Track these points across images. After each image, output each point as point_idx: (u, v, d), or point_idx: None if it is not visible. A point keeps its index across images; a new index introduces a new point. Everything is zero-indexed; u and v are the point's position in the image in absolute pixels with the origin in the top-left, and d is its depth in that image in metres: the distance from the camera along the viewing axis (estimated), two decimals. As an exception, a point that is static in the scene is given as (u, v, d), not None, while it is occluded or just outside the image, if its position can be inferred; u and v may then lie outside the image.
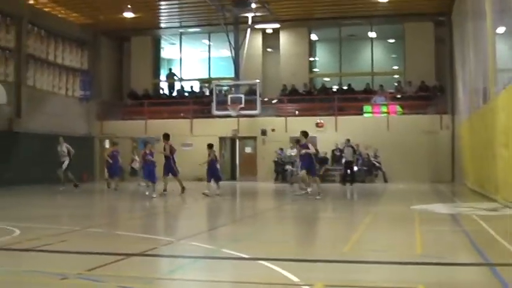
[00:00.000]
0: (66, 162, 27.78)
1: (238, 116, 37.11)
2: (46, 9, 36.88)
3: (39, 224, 13.74)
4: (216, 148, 37.82)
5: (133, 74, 44.16)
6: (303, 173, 22.84)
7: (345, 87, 41.25)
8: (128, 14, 37.65)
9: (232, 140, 40.62)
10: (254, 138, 39.52)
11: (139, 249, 9.99)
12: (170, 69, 45.44)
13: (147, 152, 23.77)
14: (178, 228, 14.95)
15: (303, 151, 22.29)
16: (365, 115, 39.02)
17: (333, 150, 37.10)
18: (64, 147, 27.78)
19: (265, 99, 39.84)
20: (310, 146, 22.21)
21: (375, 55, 41.72)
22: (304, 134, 22.80)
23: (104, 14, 38.35)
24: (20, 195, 25.29)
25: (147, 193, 23.11)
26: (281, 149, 36.94)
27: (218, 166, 24.76)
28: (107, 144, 42.87)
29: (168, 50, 46.49)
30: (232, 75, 38.55)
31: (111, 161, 28.59)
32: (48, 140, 31.58)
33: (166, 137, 24.47)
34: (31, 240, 10.93)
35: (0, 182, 29.54)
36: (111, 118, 41.47)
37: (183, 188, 24.08)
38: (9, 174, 30.89)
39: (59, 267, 8.47)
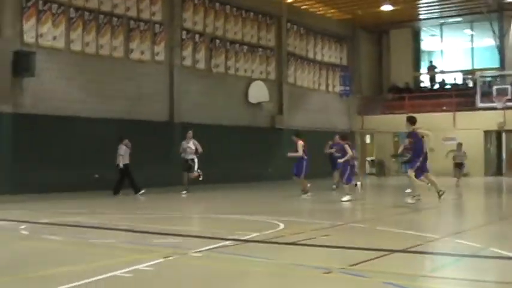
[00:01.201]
0: (196, 162, 22.75)
1: (504, 108, 34.99)
2: (304, 7, 37.49)
3: (302, 219, 13.72)
4: (480, 142, 36.16)
5: (393, 68, 43.55)
6: None
7: None
8: (387, 7, 37.13)
9: (498, 134, 38.35)
10: (523, 131, 36.96)
11: (403, 246, 9.59)
12: (431, 62, 44.17)
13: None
14: (441, 225, 14.15)
15: None
16: None
17: None
18: (191, 143, 22.75)
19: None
20: None
21: None
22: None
23: (361, 9, 38.18)
24: (283, 189, 25.81)
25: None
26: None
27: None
28: (368, 140, 42.75)
29: (428, 41, 45.22)
30: (497, 66, 36.40)
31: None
32: (309, 136, 32.04)
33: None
34: (295, 234, 10.96)
35: (263, 177, 30.47)
36: (371, 113, 41.17)
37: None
38: (271, 169, 31.75)
39: (322, 261, 8.38)
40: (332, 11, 38.91)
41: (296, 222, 13.13)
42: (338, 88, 40.15)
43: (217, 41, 31.00)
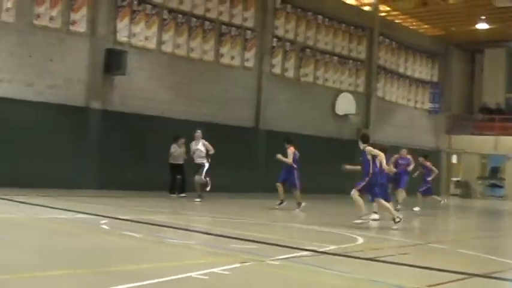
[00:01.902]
0: (206, 167, 20.39)
1: None
2: (397, 21, 37.06)
3: (381, 235, 13.46)
4: None
5: (485, 87, 42.56)
6: None
7: None
8: (482, 26, 36.32)
9: None
10: None
11: (483, 270, 9.25)
12: (525, 83, 42.93)
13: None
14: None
15: None
16: None
17: None
18: (201, 145, 20.33)
19: None
20: None
21: None
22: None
23: (455, 26, 37.53)
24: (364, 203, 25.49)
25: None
26: None
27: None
28: (454, 159, 41.81)
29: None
30: None
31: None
32: (395, 151, 31.56)
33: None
34: (373, 250, 10.79)
35: (344, 189, 30.13)
36: (460, 132, 40.29)
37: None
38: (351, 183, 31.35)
39: (399, 279, 8.18)
40: (425, 26, 38.35)
41: (375, 238, 12.92)
42: (427, 105, 39.47)
43: (308, 50, 30.96)
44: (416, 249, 11.81)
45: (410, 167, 21.72)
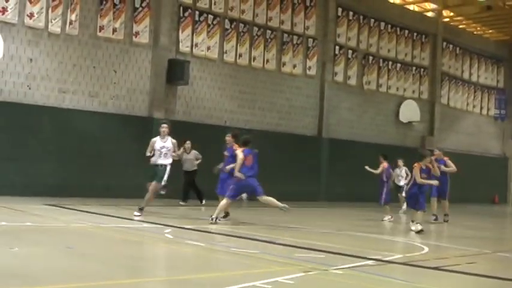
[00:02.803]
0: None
1: None
2: (461, 26, 36.47)
3: (447, 244, 13.21)
4: None
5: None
6: None
7: None
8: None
9: None
10: None
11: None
12: None
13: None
14: None
15: None
16: None
17: None
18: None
19: None
20: None
21: None
22: None
23: (522, 30, 36.72)
24: (429, 212, 25.10)
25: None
26: None
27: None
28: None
29: None
30: None
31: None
32: (460, 159, 31.00)
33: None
34: (439, 259, 10.57)
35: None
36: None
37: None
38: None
39: None
40: (490, 31, 37.65)
41: (441, 247, 12.69)
42: (493, 111, 38.68)
43: (370, 57, 30.73)
44: (484, 258, 11.50)
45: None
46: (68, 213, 15.31)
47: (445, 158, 19.16)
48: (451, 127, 35.29)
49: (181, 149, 18.77)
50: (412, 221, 15.06)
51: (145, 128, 21.97)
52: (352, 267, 8.91)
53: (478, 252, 12.06)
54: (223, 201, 14.63)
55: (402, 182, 22.02)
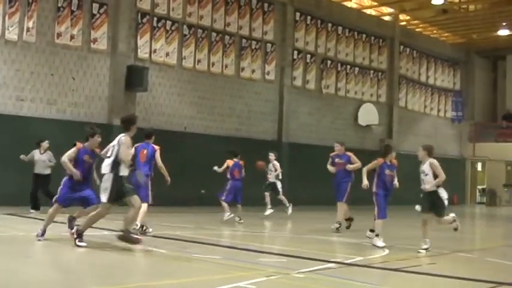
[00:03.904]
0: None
1: None
2: (418, 30, 36.95)
3: (407, 245, 13.29)
4: None
5: (508, 94, 42.13)
6: None
7: None
8: (504, 32, 36.06)
9: None
10: None
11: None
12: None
13: None
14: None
15: None
16: None
17: None
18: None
19: None
20: None
21: None
22: None
23: (477, 33, 37.39)
24: (389, 214, 25.34)
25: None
26: None
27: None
28: (479, 167, 41.51)
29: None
30: None
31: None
32: (419, 161, 31.38)
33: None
34: (400, 261, 10.70)
35: (369, 201, 29.96)
36: (484, 140, 39.91)
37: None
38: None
39: None
40: (446, 34, 38.17)
41: (401, 248, 12.76)
42: (450, 113, 39.22)
43: (329, 61, 30.91)
44: (444, 259, 11.68)
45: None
46: (27, 222, 15.11)
47: (349, 153, 16.32)
48: (410, 129, 35.69)
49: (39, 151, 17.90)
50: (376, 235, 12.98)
51: (105, 135, 21.76)
52: (314, 270, 8.97)
53: (438, 253, 12.17)
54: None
55: (272, 179, 20.42)
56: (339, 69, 31.48)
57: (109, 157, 10.65)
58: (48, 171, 17.94)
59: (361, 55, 32.79)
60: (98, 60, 22.29)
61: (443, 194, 12.18)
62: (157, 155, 13.49)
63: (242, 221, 17.47)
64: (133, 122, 11.17)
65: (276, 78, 28.22)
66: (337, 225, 15.93)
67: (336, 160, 16.37)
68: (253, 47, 27.25)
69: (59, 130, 20.68)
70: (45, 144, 17.92)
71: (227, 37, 26.18)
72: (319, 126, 29.99)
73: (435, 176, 12.20)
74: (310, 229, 17.11)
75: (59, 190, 11.54)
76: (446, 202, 12.20)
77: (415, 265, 10.27)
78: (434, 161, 12.39)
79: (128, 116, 12.15)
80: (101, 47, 22.25)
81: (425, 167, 12.34)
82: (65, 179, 11.47)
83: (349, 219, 16.44)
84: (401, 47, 35.43)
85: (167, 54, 24.09)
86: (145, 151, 13.48)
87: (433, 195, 12.21)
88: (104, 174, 10.67)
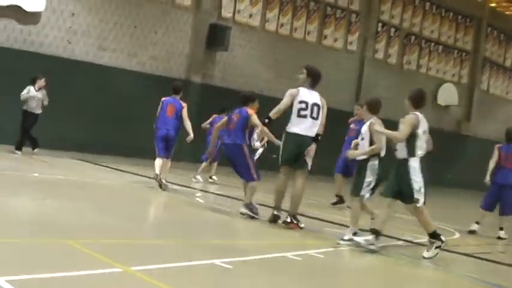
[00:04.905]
0: None
1: None
2: (507, 13, 35.72)
3: (480, 231, 12.87)
4: None
5: None
6: None
7: None
8: None
9: None
10: None
11: None
12: None
13: None
14: None
15: None
16: None
17: None
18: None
19: None
20: None
21: None
22: None
23: None
24: (462, 197, 24.94)
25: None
26: None
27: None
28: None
29: None
30: None
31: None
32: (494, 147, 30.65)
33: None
34: (470, 246, 10.40)
35: (442, 181, 29.48)
36: None
37: None
38: (451, 175, 30.71)
39: (494, 277, 8.03)
40: (537, 19, 36.81)
41: (480, 235, 12.37)
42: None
43: (413, 37, 30.27)
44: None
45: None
46: (99, 169, 15.37)
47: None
48: (489, 114, 34.76)
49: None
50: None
51: (183, 91, 21.90)
52: (383, 246, 8.79)
53: (509, 242, 11.86)
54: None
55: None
56: (423, 45, 30.80)
57: None
58: (39, 111, 16.49)
59: (446, 33, 31.97)
60: (181, 16, 22.31)
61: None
62: (185, 111, 12.91)
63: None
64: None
65: (357, 49, 27.81)
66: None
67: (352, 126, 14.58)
68: (337, 15, 26.85)
69: (138, 82, 20.90)
70: (42, 82, 16.43)
71: (312, 3, 25.86)
72: (397, 102, 29.35)
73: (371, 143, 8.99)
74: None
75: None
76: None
77: (485, 252, 10.04)
78: (376, 122, 9.13)
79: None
80: (185, 2, 22.24)
81: (363, 128, 9.27)
82: None
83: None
84: (489, 28, 34.34)
85: (250, 16, 23.96)
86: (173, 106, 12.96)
87: (361, 167, 8.91)
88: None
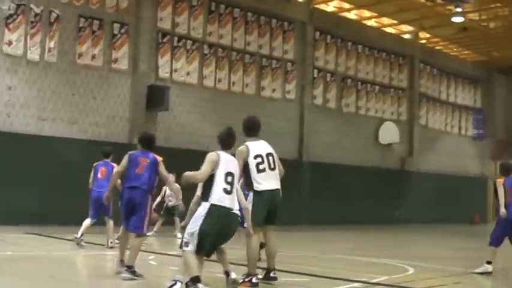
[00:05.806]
0: None
1: None
2: (438, 48, 36.79)
3: (433, 264, 13.15)
4: None
5: (529, 112, 41.78)
6: None
7: None
8: (524, 50, 35.79)
9: None
10: None
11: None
12: None
13: None
14: None
15: None
16: None
17: None
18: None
19: None
20: None
21: None
22: None
23: (498, 50, 37.07)
24: (411, 233, 25.17)
25: None
26: None
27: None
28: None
29: None
30: None
31: None
32: (440, 180, 31.24)
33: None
34: (424, 280, 10.51)
35: (390, 219, 29.82)
36: (506, 158, 39.48)
37: None
38: (399, 212, 31.11)
39: None
40: (466, 52, 38.00)
41: (427, 268, 12.59)
42: (471, 131, 38.95)
43: (349, 80, 30.86)
44: (471, 278, 11.50)
45: None
46: (50, 241, 15.13)
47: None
48: (431, 148, 35.46)
49: None
50: None
51: (125, 154, 21.81)
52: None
53: (464, 272, 12.03)
54: None
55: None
56: (359, 87, 31.41)
57: None
58: None
59: (381, 73, 32.71)
60: (118, 80, 22.39)
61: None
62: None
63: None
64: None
65: (296, 97, 28.20)
66: None
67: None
68: (273, 66, 27.27)
69: (81, 150, 20.74)
70: None
71: (247, 56, 26.23)
72: (340, 145, 29.87)
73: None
74: (332, 248, 16.99)
75: None
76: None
77: (441, 284, 10.14)
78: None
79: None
80: (121, 66, 22.36)
81: None
82: None
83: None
84: (422, 65, 35.28)
85: (188, 74, 24.16)
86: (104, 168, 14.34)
87: None
88: None
